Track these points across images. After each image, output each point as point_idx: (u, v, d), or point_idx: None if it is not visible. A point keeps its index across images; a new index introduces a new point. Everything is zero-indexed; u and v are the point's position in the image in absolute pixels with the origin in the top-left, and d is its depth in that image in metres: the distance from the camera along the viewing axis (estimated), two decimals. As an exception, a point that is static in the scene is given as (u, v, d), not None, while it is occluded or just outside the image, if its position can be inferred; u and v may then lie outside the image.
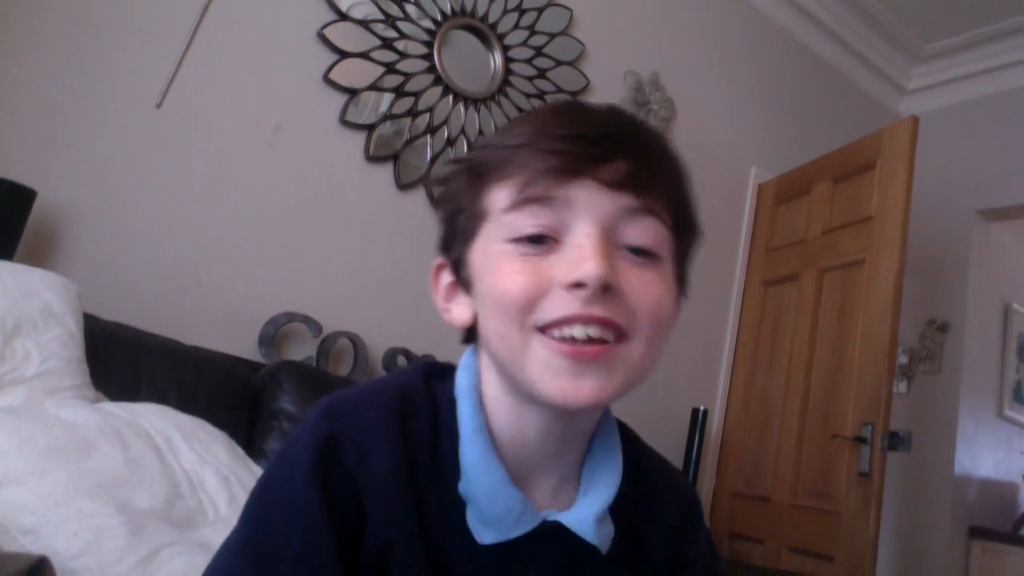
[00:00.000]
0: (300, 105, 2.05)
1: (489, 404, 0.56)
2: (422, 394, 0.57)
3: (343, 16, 2.11)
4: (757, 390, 2.83)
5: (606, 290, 0.49)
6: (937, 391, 3.15)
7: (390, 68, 2.18)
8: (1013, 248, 3.53)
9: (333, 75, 2.08)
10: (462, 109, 2.30)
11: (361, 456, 0.51)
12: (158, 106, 1.84)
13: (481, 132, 2.32)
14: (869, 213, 2.52)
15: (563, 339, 0.49)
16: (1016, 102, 3.26)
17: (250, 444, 1.61)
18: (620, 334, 0.50)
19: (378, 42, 2.16)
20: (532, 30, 2.46)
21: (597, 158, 0.51)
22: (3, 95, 1.65)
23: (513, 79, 2.41)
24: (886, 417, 2.26)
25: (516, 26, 2.43)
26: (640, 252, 0.52)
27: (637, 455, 0.62)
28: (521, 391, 0.53)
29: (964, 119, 3.41)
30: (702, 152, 2.93)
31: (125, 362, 1.53)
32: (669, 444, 2.62)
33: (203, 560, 0.99)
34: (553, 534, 0.54)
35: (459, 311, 0.58)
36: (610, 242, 0.51)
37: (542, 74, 2.47)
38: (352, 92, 2.11)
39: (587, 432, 0.58)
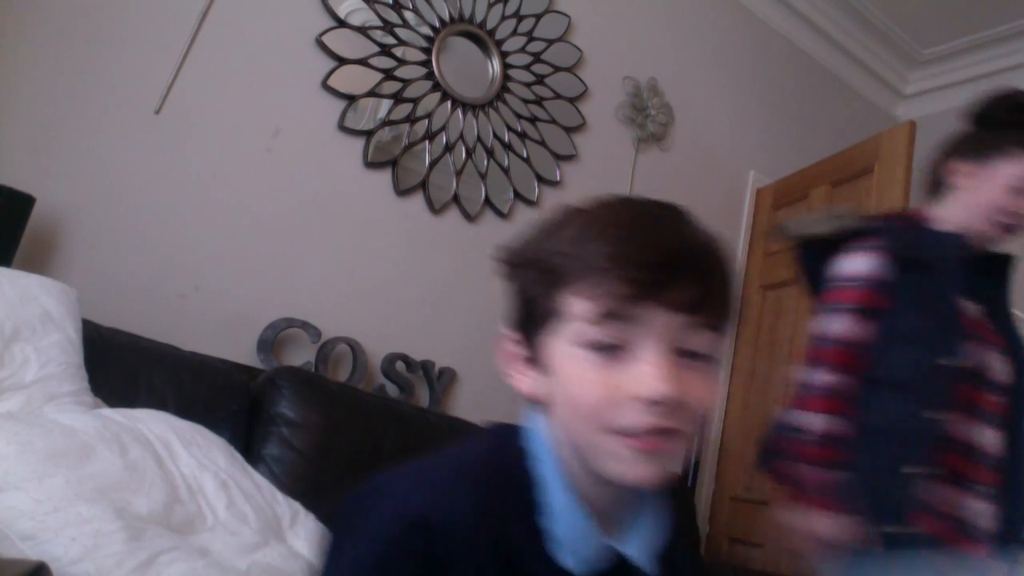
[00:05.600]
0: (299, 111, 2.05)
1: (564, 459, 0.65)
2: (489, 459, 0.65)
3: (341, 23, 2.12)
4: (756, 394, 2.83)
5: (672, 403, 0.58)
6: (936, 395, 3.15)
7: (388, 74, 2.18)
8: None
9: (331, 81, 2.09)
10: (460, 115, 2.31)
11: (442, 523, 0.57)
12: (157, 112, 1.84)
13: (479, 139, 2.33)
14: (867, 217, 2.53)
15: (630, 436, 0.59)
16: (1013, 106, 3.26)
17: (249, 450, 1.60)
18: (674, 434, 0.60)
19: (376, 48, 2.17)
20: (530, 36, 2.47)
21: (666, 284, 0.59)
22: (2, 101, 1.66)
23: (511, 85, 2.42)
24: (885, 421, 2.26)
25: (514, 32, 2.44)
26: (695, 355, 0.61)
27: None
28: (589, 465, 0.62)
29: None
30: (700, 157, 2.95)
31: (124, 368, 1.53)
32: (668, 449, 2.62)
33: (201, 565, 0.99)
34: (618, 568, 0.64)
35: (528, 383, 0.66)
36: (673, 353, 0.60)
37: (540, 80, 2.48)
38: (350, 98, 2.12)
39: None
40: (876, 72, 3.60)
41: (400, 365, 2.08)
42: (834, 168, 2.75)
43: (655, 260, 0.59)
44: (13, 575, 0.75)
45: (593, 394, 0.59)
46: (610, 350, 0.59)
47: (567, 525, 0.62)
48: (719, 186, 3.01)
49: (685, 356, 0.60)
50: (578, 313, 0.60)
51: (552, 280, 0.62)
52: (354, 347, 2.01)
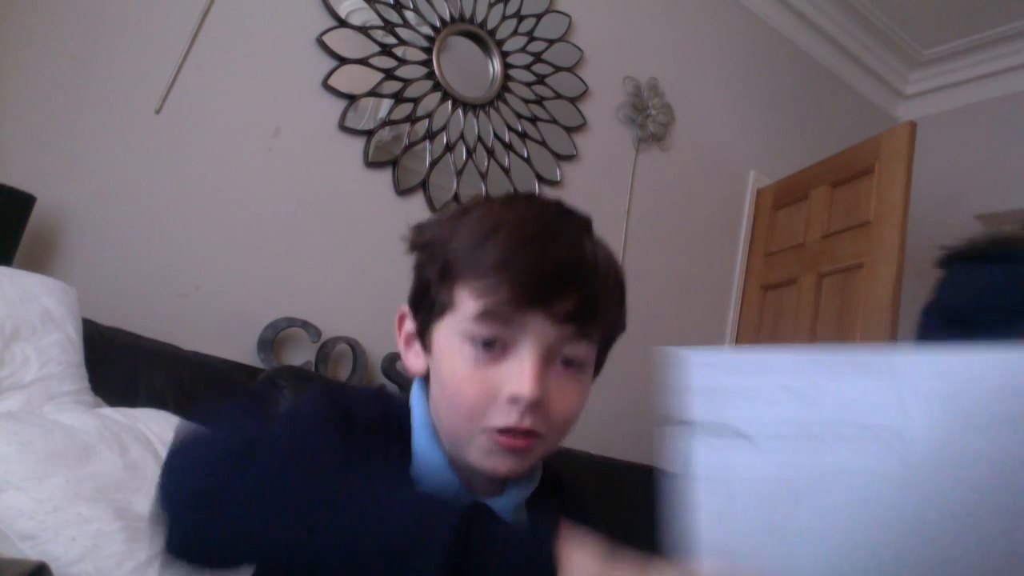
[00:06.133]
0: (299, 111, 2.05)
1: (436, 427, 0.70)
2: (387, 396, 0.73)
3: (342, 22, 2.12)
4: (756, 395, 2.83)
5: (537, 404, 0.62)
6: (936, 395, 3.15)
7: (389, 74, 2.18)
8: (1011, 252, 3.53)
9: (332, 81, 2.09)
10: (461, 115, 2.31)
11: (360, 412, 0.65)
12: (157, 112, 1.84)
13: (480, 139, 2.33)
14: (867, 218, 2.53)
15: (500, 433, 0.63)
16: (1014, 106, 3.27)
17: (249, 449, 1.60)
18: (539, 435, 0.64)
19: (377, 48, 2.17)
20: (531, 36, 2.47)
21: (551, 297, 0.62)
22: (3, 100, 1.66)
23: (512, 85, 2.42)
24: (885, 421, 2.26)
25: (515, 32, 2.44)
26: (570, 362, 0.65)
27: (552, 469, 0.77)
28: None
29: (962, 123, 3.42)
30: (701, 157, 2.95)
31: (124, 367, 1.53)
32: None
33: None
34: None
35: (415, 361, 0.71)
36: (548, 359, 0.64)
37: (541, 80, 2.48)
38: (351, 98, 2.12)
39: None
40: (877, 72, 3.60)
41: (400, 365, 2.08)
42: (835, 168, 2.75)
43: (542, 271, 0.63)
44: (14, 575, 0.75)
45: (469, 389, 0.63)
46: (489, 347, 0.63)
47: (425, 465, 0.67)
48: (719, 186, 3.01)
49: (560, 362, 0.65)
50: (465, 308, 0.64)
51: (446, 272, 0.66)
52: (354, 346, 2.01)
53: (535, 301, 0.62)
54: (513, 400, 0.62)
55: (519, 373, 0.62)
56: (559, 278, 0.63)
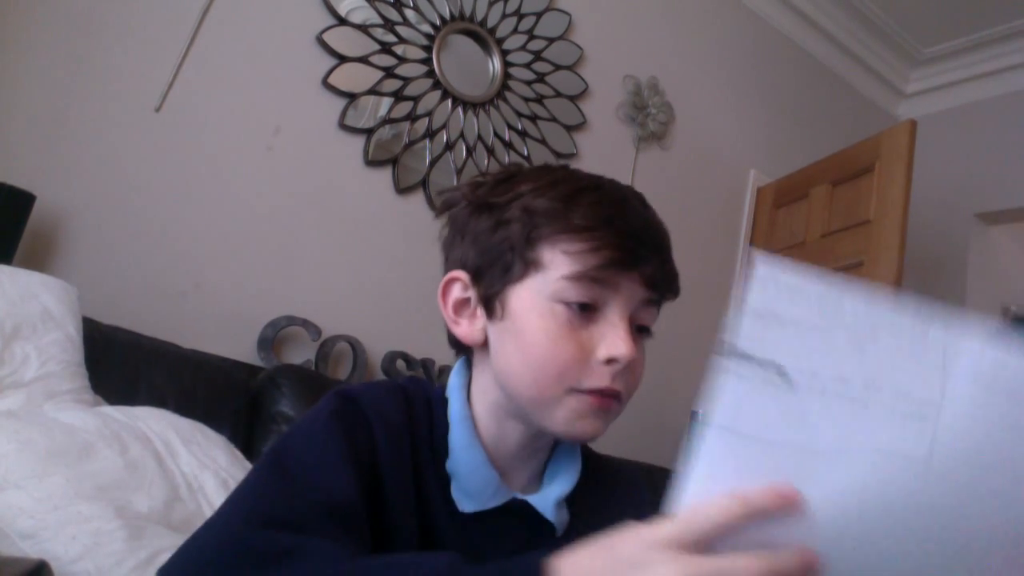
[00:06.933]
0: (299, 109, 2.05)
1: (476, 408, 0.68)
2: (416, 389, 0.69)
3: (342, 21, 2.12)
4: (756, 393, 2.83)
5: (629, 365, 0.62)
6: (936, 394, 3.15)
7: (389, 72, 2.18)
8: (1012, 251, 3.53)
9: (332, 79, 2.09)
10: (461, 113, 2.30)
11: (376, 409, 0.63)
12: (157, 110, 1.84)
13: (480, 137, 2.33)
14: (867, 216, 2.53)
15: (591, 393, 0.61)
16: (1014, 105, 3.27)
17: (249, 448, 1.60)
18: (620, 398, 0.64)
19: (377, 46, 2.17)
20: (531, 34, 2.47)
21: (644, 258, 0.62)
22: (3, 99, 1.65)
23: (512, 83, 2.42)
24: (885, 420, 2.26)
25: (515, 30, 2.43)
26: (641, 328, 0.66)
27: (593, 458, 0.76)
28: (522, 417, 0.65)
29: (963, 122, 3.41)
30: (701, 155, 2.94)
31: (124, 366, 1.53)
32: (668, 447, 2.62)
33: (202, 564, 0.99)
34: (520, 511, 0.66)
35: (469, 329, 0.67)
36: (630, 323, 0.63)
37: (541, 78, 2.48)
38: (351, 96, 2.12)
39: (550, 442, 0.71)
40: (877, 71, 3.60)
41: (400, 363, 2.08)
42: (835, 167, 2.75)
43: (639, 230, 0.63)
44: (14, 573, 0.75)
45: (562, 351, 0.61)
46: (583, 309, 0.62)
47: (463, 462, 0.65)
48: (719, 185, 3.01)
49: (635, 328, 0.65)
50: (556, 269, 0.62)
51: (531, 231, 0.63)
52: (354, 345, 2.01)
53: (632, 262, 0.62)
54: (610, 361, 0.61)
55: (615, 335, 0.61)
56: (650, 241, 0.64)
